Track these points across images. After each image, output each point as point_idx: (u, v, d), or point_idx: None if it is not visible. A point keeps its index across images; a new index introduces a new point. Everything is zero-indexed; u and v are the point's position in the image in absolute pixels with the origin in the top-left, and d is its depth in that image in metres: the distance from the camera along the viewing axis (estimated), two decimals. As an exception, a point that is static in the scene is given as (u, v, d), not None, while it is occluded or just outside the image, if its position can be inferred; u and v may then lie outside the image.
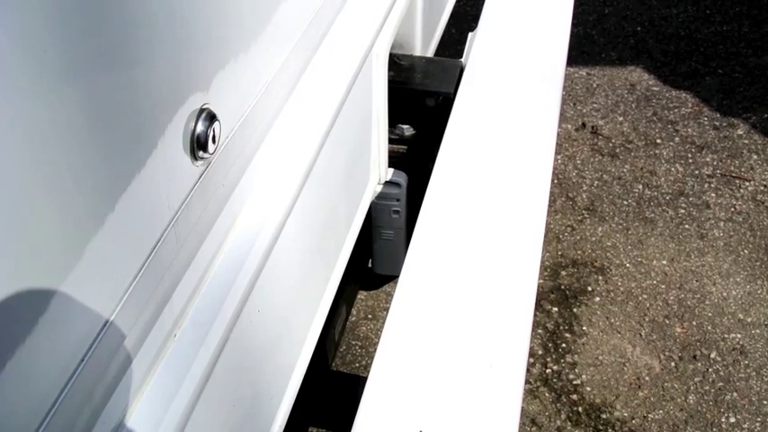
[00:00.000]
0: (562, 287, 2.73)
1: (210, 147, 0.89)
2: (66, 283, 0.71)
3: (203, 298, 0.95)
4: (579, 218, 2.98)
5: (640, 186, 3.10)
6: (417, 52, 1.99)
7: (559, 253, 2.85)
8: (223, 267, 0.99)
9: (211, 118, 0.88)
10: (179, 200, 0.87)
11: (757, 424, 2.32)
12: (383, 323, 1.25)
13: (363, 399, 1.15)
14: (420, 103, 1.85)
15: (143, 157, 0.80)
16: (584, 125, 3.38)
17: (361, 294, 2.71)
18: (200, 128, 0.87)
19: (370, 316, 2.66)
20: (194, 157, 0.88)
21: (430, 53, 2.14)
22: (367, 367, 2.41)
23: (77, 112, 0.69)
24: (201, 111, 0.87)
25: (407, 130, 1.89)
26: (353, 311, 2.66)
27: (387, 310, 1.25)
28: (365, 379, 1.18)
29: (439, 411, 1.12)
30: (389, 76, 1.63)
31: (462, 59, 1.86)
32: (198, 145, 0.87)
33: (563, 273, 2.78)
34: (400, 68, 1.86)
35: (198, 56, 0.87)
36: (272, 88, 1.10)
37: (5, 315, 0.64)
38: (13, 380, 0.66)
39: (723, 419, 2.34)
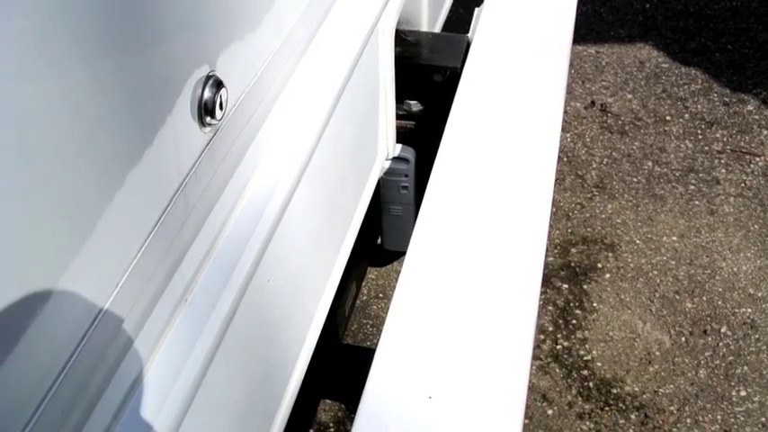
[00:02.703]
0: (572, 264, 2.74)
1: (218, 113, 0.90)
2: (79, 247, 0.72)
3: (214, 264, 0.96)
4: (589, 195, 2.98)
5: (650, 163, 3.09)
6: (424, 29, 1.99)
7: (569, 230, 2.86)
8: (233, 234, 1.00)
9: (218, 85, 0.89)
10: (187, 166, 0.88)
11: (768, 397, 2.33)
12: (393, 302, 1.26)
13: (373, 367, 1.16)
14: (427, 78, 1.85)
15: (151, 122, 0.81)
16: (593, 103, 3.37)
17: (372, 273, 2.72)
18: (207, 94, 0.88)
19: (381, 295, 2.67)
20: (202, 123, 0.89)
21: (437, 30, 2.14)
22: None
23: (83, 80, 0.70)
24: (209, 77, 0.88)
25: (415, 105, 1.89)
26: (364, 290, 2.68)
27: (397, 288, 1.26)
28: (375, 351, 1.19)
29: (447, 378, 1.13)
30: (396, 52, 1.64)
31: (469, 34, 1.86)
32: (205, 111, 0.88)
33: (573, 250, 2.79)
34: (407, 44, 1.86)
35: (205, 22, 0.88)
36: (278, 59, 1.11)
37: (21, 280, 0.66)
38: (27, 341, 0.68)
39: (734, 393, 2.35)
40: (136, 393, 0.84)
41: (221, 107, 0.91)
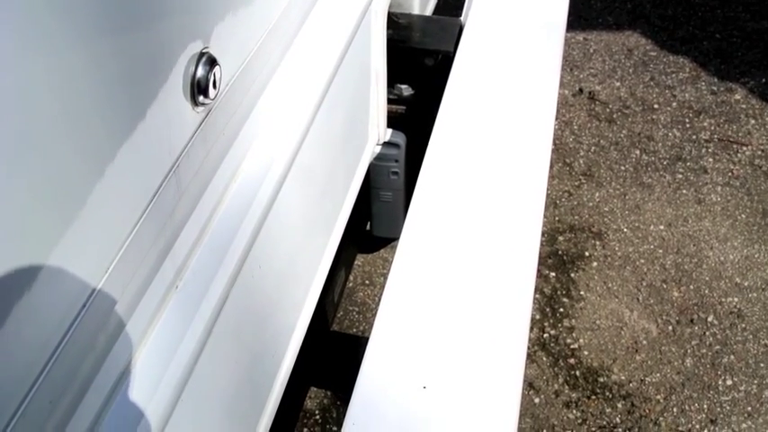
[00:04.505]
0: (560, 252, 2.73)
1: (211, 92, 0.87)
2: (68, 230, 0.69)
3: (205, 249, 0.93)
4: (576, 183, 2.97)
5: (638, 151, 3.08)
6: (416, 12, 1.96)
7: (557, 218, 2.84)
8: (225, 219, 0.97)
9: (212, 62, 0.86)
10: (180, 146, 0.85)
11: (754, 386, 2.32)
12: (380, 289, 1.24)
13: (366, 356, 1.14)
14: (419, 62, 1.82)
15: (142, 100, 0.77)
16: (581, 90, 3.36)
17: (358, 260, 2.70)
18: (200, 72, 0.85)
19: (367, 282, 2.64)
20: (195, 102, 0.86)
21: (428, 13, 2.11)
22: (365, 333, 2.41)
23: (74, 56, 0.67)
24: (202, 54, 0.85)
25: (406, 89, 1.86)
26: (350, 277, 2.65)
27: (384, 276, 1.23)
28: (366, 339, 1.17)
29: (442, 367, 1.11)
30: (388, 35, 1.61)
31: (461, 18, 1.83)
32: (198, 90, 0.85)
33: (560, 238, 2.77)
34: (399, 27, 1.83)
35: (198, -3, 0.85)
36: (271, 37, 1.08)
37: (7, 264, 0.63)
38: (16, 325, 0.65)
39: (720, 382, 2.35)
40: (126, 381, 0.81)
41: (215, 86, 0.87)
